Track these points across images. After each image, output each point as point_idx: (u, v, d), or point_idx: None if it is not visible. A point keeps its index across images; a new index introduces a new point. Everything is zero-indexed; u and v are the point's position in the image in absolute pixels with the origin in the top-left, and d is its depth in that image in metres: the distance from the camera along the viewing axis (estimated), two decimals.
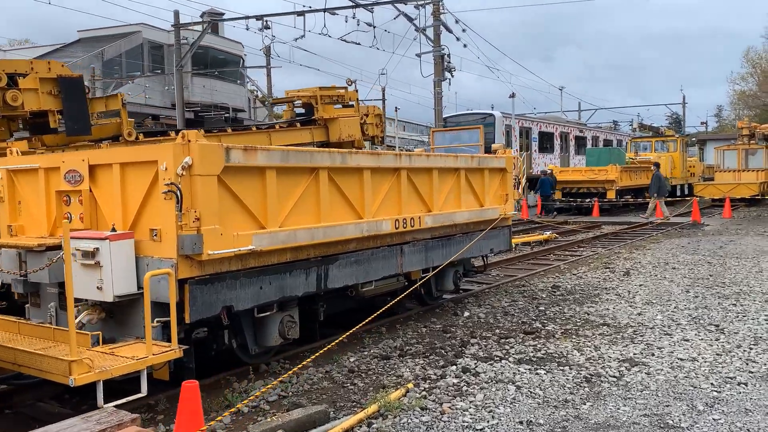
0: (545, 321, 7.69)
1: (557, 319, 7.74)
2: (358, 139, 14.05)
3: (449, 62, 23.15)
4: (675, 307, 8.23)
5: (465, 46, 26.82)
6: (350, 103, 14.54)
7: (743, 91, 58.97)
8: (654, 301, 8.64)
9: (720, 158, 34.90)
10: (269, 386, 5.26)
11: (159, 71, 43.93)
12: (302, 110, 14.50)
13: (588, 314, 7.97)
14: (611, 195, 26.53)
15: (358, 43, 24.24)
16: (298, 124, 13.43)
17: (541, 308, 8.43)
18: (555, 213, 26.58)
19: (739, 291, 9.22)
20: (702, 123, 77.93)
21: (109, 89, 40.77)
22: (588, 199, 26.59)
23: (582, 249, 16.18)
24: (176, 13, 28.88)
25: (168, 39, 51.14)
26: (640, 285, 9.91)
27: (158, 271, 4.71)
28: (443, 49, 22.87)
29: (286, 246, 5.72)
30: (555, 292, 9.61)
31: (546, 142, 35.11)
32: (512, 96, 28.11)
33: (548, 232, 18.36)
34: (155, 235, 4.99)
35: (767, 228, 18.66)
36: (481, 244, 9.01)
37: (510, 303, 8.89)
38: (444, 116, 32.19)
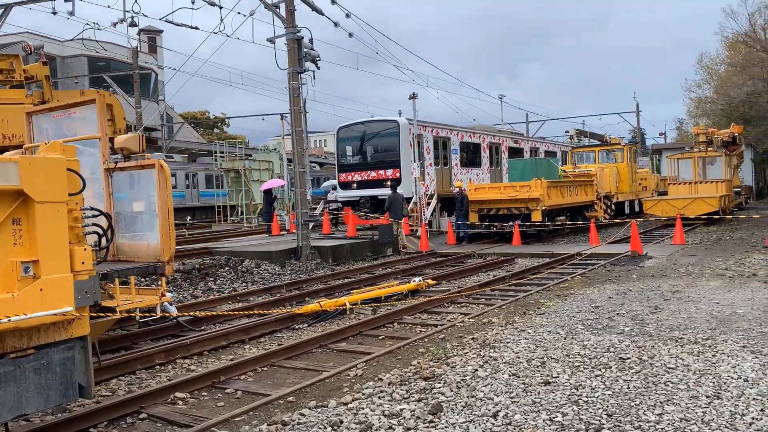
0: None
1: None
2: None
3: (311, 48, 17.38)
4: None
5: (351, 35, 21.10)
6: (31, 84, 8.63)
7: (699, 98, 54.48)
8: None
9: (674, 168, 29.74)
10: None
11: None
12: None
13: None
14: (536, 217, 20.78)
15: (196, 27, 18.43)
16: None
17: None
18: (465, 241, 21.08)
19: None
20: (660, 134, 73.81)
21: None
22: (510, 222, 20.90)
23: (446, 311, 10.34)
24: None
25: (62, 51, 44.82)
26: None
27: None
28: (298, 32, 17.12)
29: None
30: None
31: (472, 155, 29.55)
32: (413, 97, 22.44)
33: (418, 279, 12.54)
34: None
35: (730, 263, 13.07)
36: None
37: None
38: (339, 125, 26.53)
